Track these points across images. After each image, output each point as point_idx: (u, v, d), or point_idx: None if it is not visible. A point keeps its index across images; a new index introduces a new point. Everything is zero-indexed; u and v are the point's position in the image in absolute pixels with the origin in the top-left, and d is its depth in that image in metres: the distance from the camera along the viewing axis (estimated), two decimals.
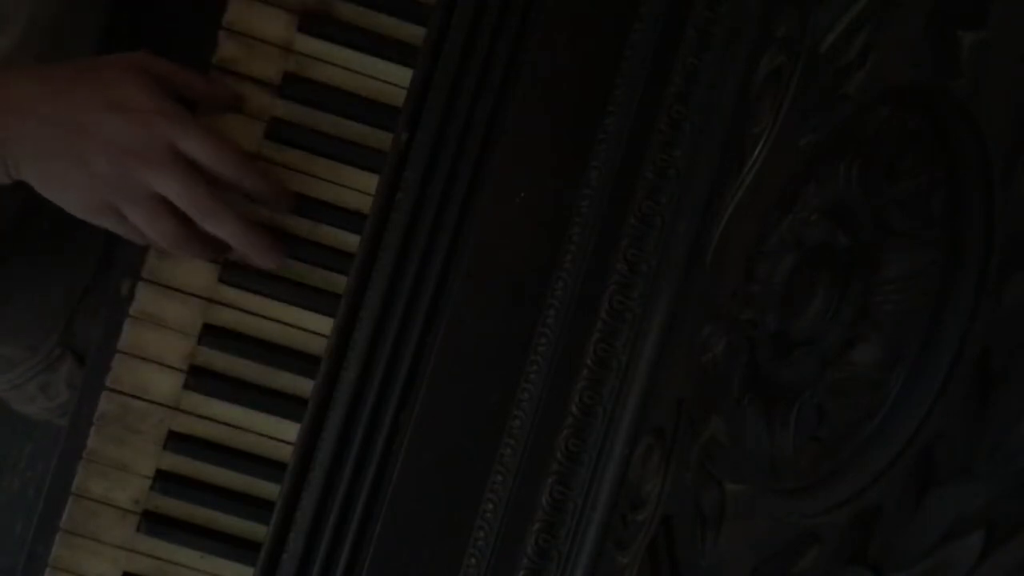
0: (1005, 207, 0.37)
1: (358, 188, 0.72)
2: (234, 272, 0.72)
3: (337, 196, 0.73)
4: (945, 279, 0.38)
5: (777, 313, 0.47)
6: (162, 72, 0.69)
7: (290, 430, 0.71)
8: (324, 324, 0.72)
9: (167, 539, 0.72)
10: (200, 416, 0.73)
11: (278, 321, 0.73)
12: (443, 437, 0.63)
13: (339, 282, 0.71)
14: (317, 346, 0.71)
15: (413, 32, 0.72)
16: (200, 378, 0.72)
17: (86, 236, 0.82)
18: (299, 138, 0.73)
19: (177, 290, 0.72)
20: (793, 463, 0.43)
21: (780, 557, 0.43)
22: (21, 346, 0.85)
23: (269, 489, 0.71)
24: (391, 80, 0.73)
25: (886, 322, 0.40)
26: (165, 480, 0.72)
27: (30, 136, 0.67)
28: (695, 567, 0.48)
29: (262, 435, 0.73)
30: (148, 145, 0.66)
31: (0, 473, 1.49)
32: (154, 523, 0.72)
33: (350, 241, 0.72)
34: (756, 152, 0.53)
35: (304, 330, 0.73)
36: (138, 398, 0.72)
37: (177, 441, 0.72)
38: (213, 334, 0.72)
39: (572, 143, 0.63)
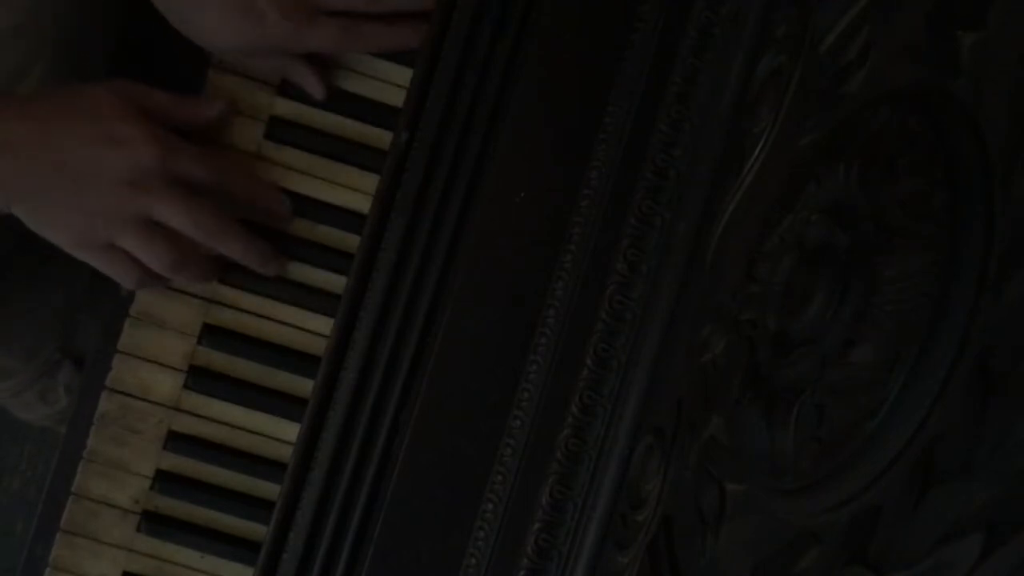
0: (1005, 207, 0.37)
1: (358, 188, 0.72)
2: (234, 272, 0.72)
3: (337, 196, 0.73)
4: (945, 279, 0.38)
5: (777, 313, 0.47)
6: (144, 100, 0.68)
7: (290, 430, 0.71)
8: (324, 324, 0.72)
9: (167, 539, 0.72)
10: (200, 416, 0.73)
11: (278, 321, 0.73)
12: (443, 437, 0.63)
13: (339, 282, 0.71)
14: (317, 346, 0.71)
15: None
16: (200, 378, 0.72)
17: None
18: (299, 138, 0.73)
19: (177, 290, 0.72)
20: (793, 463, 0.43)
21: (780, 557, 0.43)
22: (17, 355, 0.85)
23: (269, 489, 0.71)
24: (391, 80, 0.73)
25: (886, 322, 0.40)
26: (165, 480, 0.72)
27: (18, 177, 0.66)
28: (695, 567, 0.48)
29: (262, 435, 0.73)
30: (139, 174, 0.66)
31: (0, 474, 1.49)
32: (154, 523, 0.72)
33: (350, 241, 0.72)
34: (756, 152, 0.53)
35: (304, 330, 0.73)
36: (138, 398, 0.72)
37: (177, 441, 0.72)
38: (213, 334, 0.72)
39: (572, 144, 0.63)
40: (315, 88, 0.72)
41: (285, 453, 0.70)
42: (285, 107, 0.73)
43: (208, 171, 0.68)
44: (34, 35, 0.73)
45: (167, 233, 0.67)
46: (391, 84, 0.73)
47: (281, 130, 0.73)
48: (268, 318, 0.73)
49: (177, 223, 0.67)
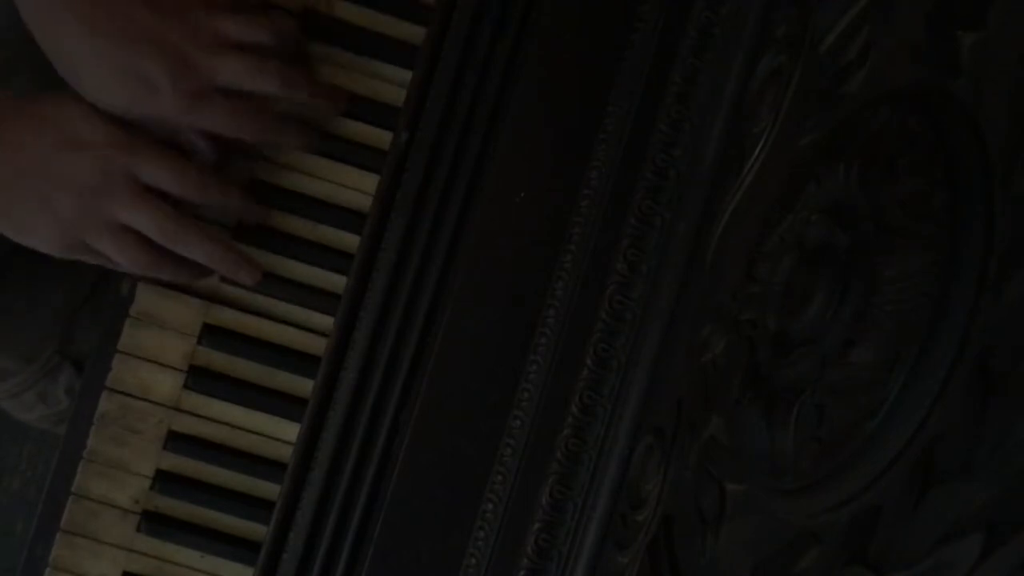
0: (1005, 207, 0.37)
1: (358, 188, 0.72)
2: None
3: (336, 196, 0.73)
4: (945, 279, 0.38)
5: (777, 313, 0.47)
6: None
7: (290, 430, 0.71)
8: (324, 324, 0.72)
9: (167, 539, 0.72)
10: (200, 416, 0.73)
11: (278, 321, 0.73)
12: (443, 437, 0.63)
13: (339, 282, 0.71)
14: (317, 346, 0.71)
15: (413, 32, 0.72)
16: (200, 378, 0.72)
17: None
18: None
19: (177, 290, 0.72)
20: (793, 463, 0.43)
21: (780, 557, 0.43)
22: (16, 357, 0.85)
23: (269, 489, 0.71)
24: (391, 80, 0.73)
25: (886, 322, 0.40)
26: (165, 480, 0.72)
27: None
28: (695, 567, 0.48)
29: (262, 435, 0.73)
30: (107, 179, 0.65)
31: (0, 474, 1.49)
32: (154, 523, 0.72)
33: (350, 241, 0.72)
34: (756, 152, 0.53)
35: (304, 330, 0.73)
36: (138, 398, 0.72)
37: (177, 441, 0.72)
38: (213, 334, 0.72)
39: (572, 143, 0.63)
40: (207, 156, 0.69)
41: (285, 453, 0.70)
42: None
43: (173, 175, 0.67)
44: (14, 46, 0.72)
45: (140, 236, 0.67)
46: (391, 84, 0.73)
47: None
48: (268, 318, 0.73)
49: (142, 228, 0.67)
